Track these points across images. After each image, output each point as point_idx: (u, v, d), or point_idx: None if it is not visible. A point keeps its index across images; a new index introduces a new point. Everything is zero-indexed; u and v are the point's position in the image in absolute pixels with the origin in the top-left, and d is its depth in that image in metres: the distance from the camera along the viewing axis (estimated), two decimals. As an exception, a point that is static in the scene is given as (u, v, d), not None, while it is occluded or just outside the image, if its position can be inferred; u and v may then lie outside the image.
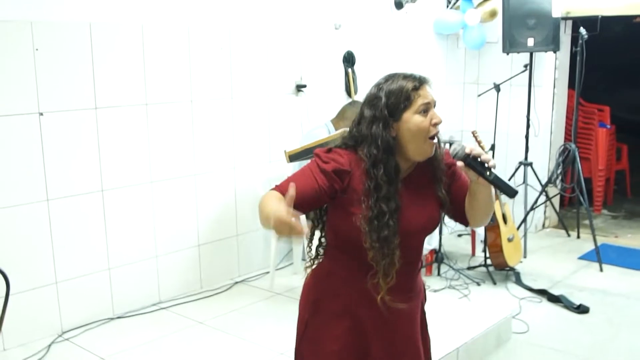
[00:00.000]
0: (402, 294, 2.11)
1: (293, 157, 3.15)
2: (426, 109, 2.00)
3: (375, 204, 1.93)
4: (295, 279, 4.91)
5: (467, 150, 1.94)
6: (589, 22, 5.72)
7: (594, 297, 4.92)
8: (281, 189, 1.96)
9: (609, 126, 7.63)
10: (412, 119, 1.97)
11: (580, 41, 5.56)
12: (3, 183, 3.61)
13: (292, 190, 1.79)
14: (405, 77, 2.05)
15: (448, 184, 2.12)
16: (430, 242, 5.13)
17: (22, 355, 3.65)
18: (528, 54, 5.89)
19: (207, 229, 4.69)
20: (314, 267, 2.27)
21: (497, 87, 5.72)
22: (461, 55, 6.85)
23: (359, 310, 2.12)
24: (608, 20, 5.88)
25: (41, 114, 3.72)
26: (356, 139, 2.05)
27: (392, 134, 1.98)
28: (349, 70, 5.37)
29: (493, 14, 6.19)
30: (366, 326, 2.14)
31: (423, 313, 2.38)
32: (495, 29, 6.21)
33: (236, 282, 4.85)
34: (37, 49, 3.65)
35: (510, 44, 5.78)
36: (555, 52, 6.00)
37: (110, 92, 4.01)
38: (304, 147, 3.11)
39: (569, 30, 6.45)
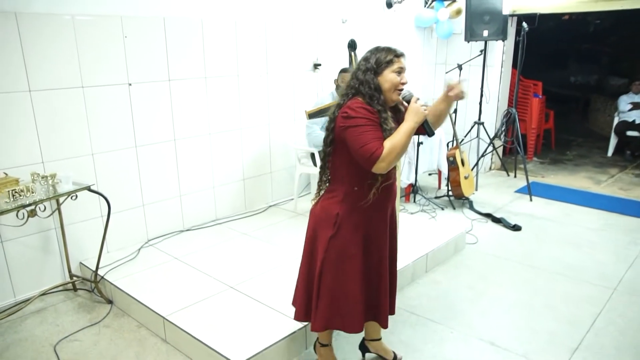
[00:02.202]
0: (386, 203, 2.35)
1: (311, 115, 3.17)
2: (400, 71, 2.22)
3: (384, 128, 2.13)
4: (312, 204, 4.96)
5: (414, 98, 2.19)
6: (529, 18, 5.60)
7: (525, 219, 4.96)
8: (381, 140, 2.10)
9: (540, 96, 7.54)
10: (389, 75, 2.19)
11: (522, 33, 5.45)
12: (106, 134, 3.64)
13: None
14: (389, 49, 2.24)
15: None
16: (409, 178, 5.15)
17: (121, 255, 3.75)
18: (483, 42, 5.78)
19: (249, 168, 4.72)
20: (323, 194, 2.40)
21: (459, 67, 5.66)
22: (434, 43, 6.72)
23: (368, 221, 2.30)
24: (544, 17, 5.74)
25: (130, 84, 3.71)
26: (356, 85, 2.20)
27: (378, 81, 2.19)
28: (352, 53, 5.28)
29: (458, 12, 6.08)
30: (377, 229, 2.35)
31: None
32: (459, 23, 6.08)
33: (270, 206, 4.90)
34: (125, 36, 3.63)
35: (471, 35, 5.66)
36: (503, 40, 5.89)
37: (180, 69, 3.99)
38: (318, 108, 3.12)
39: (514, 24, 6.32)
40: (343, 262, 2.29)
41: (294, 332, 2.80)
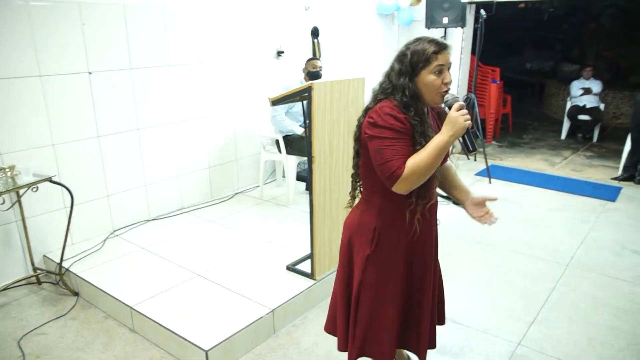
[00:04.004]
0: (432, 215, 2.00)
1: (275, 102, 3.12)
2: (440, 70, 1.78)
3: (416, 139, 1.75)
4: (278, 190, 4.95)
5: (457, 104, 1.74)
6: (487, 5, 5.66)
7: (485, 200, 5.04)
8: (404, 158, 1.72)
9: (498, 82, 7.66)
10: (427, 77, 1.77)
11: (480, 20, 5.51)
12: (66, 124, 3.53)
13: None
14: (430, 41, 1.79)
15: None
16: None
17: (86, 246, 3.66)
18: (443, 29, 5.82)
19: (214, 155, 4.66)
20: (358, 203, 2.03)
21: (420, 53, 5.67)
22: (396, 30, 6.74)
23: (411, 236, 1.91)
24: (501, 5, 5.82)
25: (90, 73, 3.60)
26: (389, 89, 1.83)
27: (415, 85, 1.79)
28: (315, 40, 5.27)
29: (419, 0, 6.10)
30: (422, 246, 1.98)
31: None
32: (420, 11, 6.11)
33: (236, 193, 4.86)
34: (84, 24, 3.50)
35: (431, 22, 5.70)
36: (462, 28, 5.95)
37: (141, 57, 3.88)
38: (281, 95, 3.07)
39: (472, 12, 6.39)
40: (383, 283, 1.96)
41: (262, 318, 2.80)
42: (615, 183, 5.79)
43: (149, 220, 4.15)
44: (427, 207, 1.91)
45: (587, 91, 7.68)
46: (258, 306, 2.89)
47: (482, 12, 5.46)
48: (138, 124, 3.97)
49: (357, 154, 1.93)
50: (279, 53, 5.00)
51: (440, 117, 1.93)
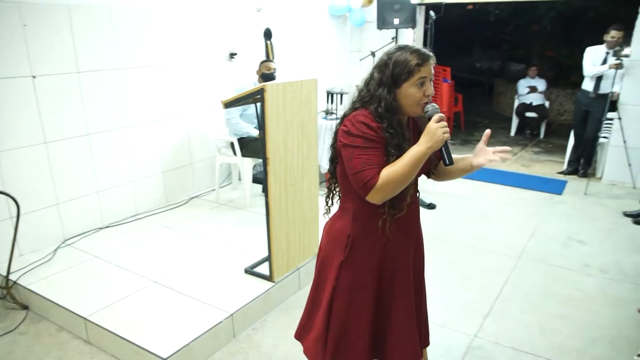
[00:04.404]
0: (410, 222, 1.94)
1: (227, 105, 3.08)
2: (422, 82, 1.73)
3: (389, 151, 1.72)
4: (234, 193, 4.90)
5: (437, 115, 1.70)
6: (436, 7, 5.78)
7: (440, 198, 5.14)
8: (378, 167, 1.69)
9: (449, 81, 7.84)
10: (408, 90, 1.72)
11: (430, 21, 5.61)
12: (10, 131, 3.38)
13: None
14: (413, 52, 1.73)
15: None
16: (328, 163, 5.18)
17: (35, 257, 3.51)
18: (394, 30, 5.91)
19: (169, 160, 4.56)
20: (337, 210, 1.98)
21: (373, 54, 5.75)
22: (348, 31, 6.79)
23: (386, 244, 1.87)
24: (450, 6, 5.96)
25: (34, 77, 3.46)
26: (366, 99, 1.78)
27: (393, 96, 1.73)
28: (268, 42, 5.25)
29: (370, 1, 6.15)
30: (394, 252, 1.91)
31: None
32: (372, 12, 6.17)
33: (192, 197, 4.78)
34: (25, 25, 3.36)
35: (382, 23, 5.77)
36: (413, 28, 6.04)
37: (89, 60, 3.76)
38: (234, 97, 3.04)
39: (423, 13, 6.50)
40: (355, 293, 1.91)
41: (221, 322, 2.76)
42: (561, 177, 6.02)
43: (102, 228, 4.02)
44: (401, 215, 1.83)
45: (532, 89, 7.96)
46: (217, 311, 2.85)
47: (432, 13, 5.57)
48: (88, 129, 3.84)
49: (333, 161, 1.90)
50: (232, 55, 4.95)
51: (419, 123, 1.90)
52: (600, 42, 5.56)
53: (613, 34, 5.41)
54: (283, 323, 3.01)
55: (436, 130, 1.67)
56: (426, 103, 1.76)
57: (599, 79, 5.58)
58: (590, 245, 4.10)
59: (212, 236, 3.88)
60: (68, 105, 3.69)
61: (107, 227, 4.05)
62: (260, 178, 4.79)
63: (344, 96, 5.24)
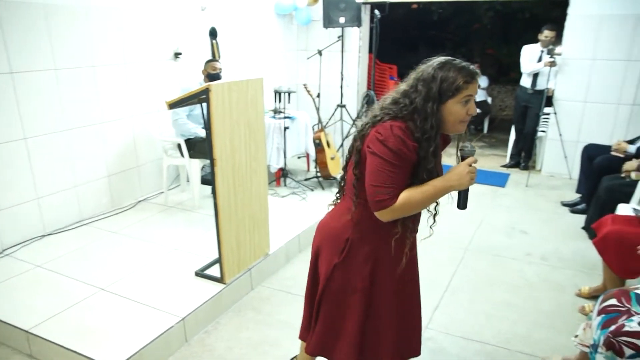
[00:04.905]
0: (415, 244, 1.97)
1: (172, 105, 3.01)
2: (468, 100, 1.69)
3: (419, 174, 1.69)
4: (182, 195, 4.81)
5: (472, 158, 1.73)
6: (380, 6, 5.88)
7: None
8: (399, 188, 1.67)
9: (396, 79, 7.98)
10: (453, 107, 1.68)
11: (375, 19, 5.70)
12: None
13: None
14: (461, 68, 1.68)
15: None
16: (278, 162, 5.18)
17: (-30, 269, 3.33)
18: (341, 29, 5.95)
19: (114, 163, 4.42)
20: (336, 207, 1.97)
21: (320, 52, 5.79)
22: (295, 30, 6.79)
23: (381, 255, 1.87)
24: (395, 5, 6.06)
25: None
26: (406, 110, 1.70)
27: (440, 113, 1.69)
28: (214, 41, 5.18)
29: (316, 0, 6.18)
30: (391, 264, 1.89)
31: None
32: (318, 11, 6.19)
33: (139, 201, 4.65)
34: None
35: (329, 21, 5.81)
36: (358, 27, 6.11)
37: (23, 60, 3.58)
38: (178, 97, 2.97)
39: (368, 12, 6.59)
40: (345, 296, 1.90)
41: (172, 327, 2.70)
42: (504, 170, 6.25)
43: (44, 236, 3.85)
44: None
45: (475, 86, 8.20)
46: (167, 316, 2.79)
47: (377, 12, 5.67)
48: (24, 132, 3.66)
49: (357, 165, 1.78)
50: (177, 55, 4.85)
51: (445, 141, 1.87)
52: (536, 40, 5.80)
53: (546, 34, 5.67)
54: (236, 325, 2.98)
55: (467, 174, 1.69)
56: (466, 121, 1.73)
57: (535, 75, 5.83)
58: (532, 235, 4.28)
59: (161, 240, 3.80)
60: (1, 108, 3.51)
61: (49, 234, 3.89)
62: (209, 179, 4.70)
63: (291, 95, 5.24)
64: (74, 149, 4.04)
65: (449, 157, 2.44)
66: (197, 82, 4.50)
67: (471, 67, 1.70)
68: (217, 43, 5.19)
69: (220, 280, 3.13)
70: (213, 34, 5.18)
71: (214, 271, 3.22)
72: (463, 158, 1.71)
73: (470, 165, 1.69)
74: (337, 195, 1.99)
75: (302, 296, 3.26)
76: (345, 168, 1.90)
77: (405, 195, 1.65)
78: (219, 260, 3.12)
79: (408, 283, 2.02)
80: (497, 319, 3.06)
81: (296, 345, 2.78)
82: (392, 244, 1.81)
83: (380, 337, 1.95)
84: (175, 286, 3.12)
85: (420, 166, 1.68)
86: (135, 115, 4.55)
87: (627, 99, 5.42)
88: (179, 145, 4.43)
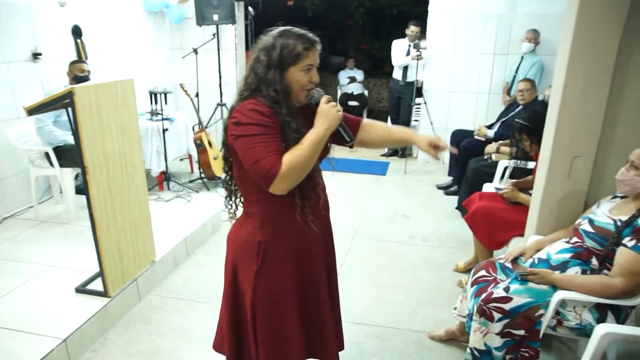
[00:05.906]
0: (321, 210, 1.88)
1: (31, 112, 2.74)
2: (309, 69, 1.68)
3: (289, 135, 1.62)
4: (56, 208, 4.46)
5: (325, 98, 1.68)
6: (254, 3, 5.89)
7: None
8: (278, 154, 1.57)
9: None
10: (295, 74, 1.66)
11: (249, 17, 5.69)
12: None
13: None
14: (299, 35, 1.66)
15: None
16: (159, 166, 4.99)
17: None
18: (215, 26, 5.86)
19: (-31, 179, 3.97)
20: (240, 216, 1.86)
21: (195, 51, 5.68)
22: (167, 28, 6.56)
23: (299, 244, 1.81)
24: (270, 2, 6.10)
25: None
26: (254, 85, 1.66)
27: (284, 79, 1.65)
28: (78, 40, 4.83)
29: (187, -3, 6.02)
30: (310, 251, 1.85)
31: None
32: (190, 8, 6.03)
33: (4, 218, 4.21)
34: None
35: (202, 19, 5.68)
36: (233, 24, 6.06)
37: None
38: (38, 103, 2.71)
39: (242, 9, 6.55)
40: (277, 299, 1.82)
41: (52, 350, 2.50)
42: (384, 159, 6.58)
43: None
44: (319, 205, 1.81)
45: (352, 80, 8.54)
46: (46, 339, 2.57)
47: (250, 9, 5.66)
48: None
49: (227, 161, 1.77)
50: (36, 55, 4.45)
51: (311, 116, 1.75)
52: (404, 36, 6.16)
53: (412, 29, 6.06)
54: (125, 339, 2.83)
55: (329, 110, 1.65)
56: (309, 90, 1.71)
57: (405, 68, 6.20)
58: (413, 219, 4.55)
59: (34, 258, 3.48)
60: None
61: None
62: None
63: (168, 96, 5.06)
64: None
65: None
66: (62, 85, 4.17)
67: (310, 34, 1.70)
68: (82, 42, 4.85)
69: (104, 294, 2.95)
70: (77, 32, 4.83)
71: (97, 285, 3.02)
72: (317, 104, 1.69)
73: (328, 103, 1.68)
74: (227, 199, 1.89)
75: (195, 301, 3.20)
76: (228, 171, 1.83)
77: (288, 157, 1.58)
78: (100, 274, 2.94)
79: (330, 264, 2.03)
80: (386, 301, 3.22)
81: (193, 352, 2.72)
82: (301, 223, 1.74)
83: (322, 329, 1.93)
84: (54, 306, 2.88)
85: (285, 128, 1.63)
86: (-9, 124, 4.11)
87: (484, 88, 5.98)
88: (47, 154, 4.08)
